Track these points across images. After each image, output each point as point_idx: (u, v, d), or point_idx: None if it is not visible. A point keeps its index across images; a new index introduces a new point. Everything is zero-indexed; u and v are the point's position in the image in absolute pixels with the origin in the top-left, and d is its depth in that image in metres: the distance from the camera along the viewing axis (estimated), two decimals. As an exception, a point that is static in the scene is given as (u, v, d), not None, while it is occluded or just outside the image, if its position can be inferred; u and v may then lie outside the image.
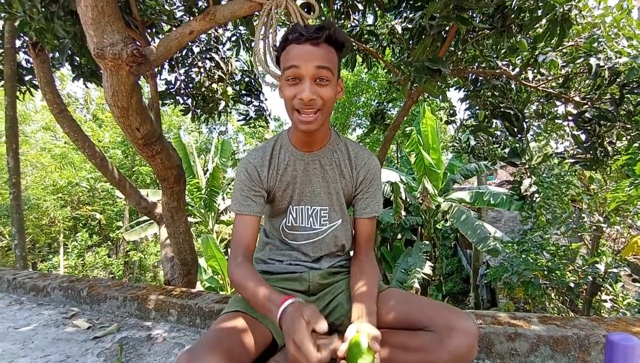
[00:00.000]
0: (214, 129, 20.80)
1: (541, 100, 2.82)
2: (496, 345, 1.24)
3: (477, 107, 2.86)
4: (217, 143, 11.91)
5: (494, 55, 2.41)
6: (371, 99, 12.80)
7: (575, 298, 5.04)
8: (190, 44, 2.99)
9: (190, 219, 9.93)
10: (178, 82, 3.16)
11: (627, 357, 0.75)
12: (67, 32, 1.95)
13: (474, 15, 2.07)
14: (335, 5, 2.35)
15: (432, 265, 7.68)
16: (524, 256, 5.23)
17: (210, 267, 8.52)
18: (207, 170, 11.08)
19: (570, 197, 5.46)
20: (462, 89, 2.94)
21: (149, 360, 1.34)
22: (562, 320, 1.31)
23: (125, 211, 14.44)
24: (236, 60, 3.31)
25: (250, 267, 0.94)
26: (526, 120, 2.54)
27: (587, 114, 2.37)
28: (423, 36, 2.00)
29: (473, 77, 2.72)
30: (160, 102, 2.96)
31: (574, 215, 5.42)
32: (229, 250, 10.38)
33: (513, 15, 1.86)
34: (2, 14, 2.07)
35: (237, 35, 2.88)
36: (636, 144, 2.47)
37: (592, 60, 1.89)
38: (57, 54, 2.13)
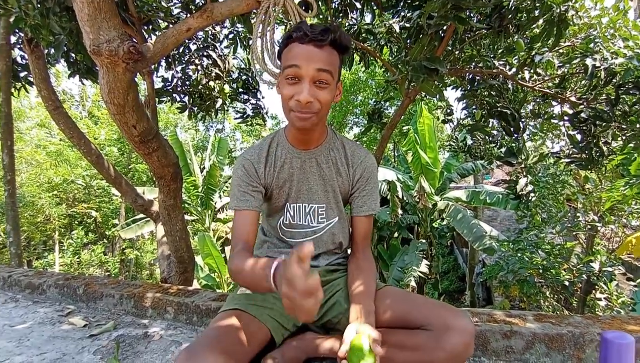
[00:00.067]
0: (211, 126, 20.74)
1: (537, 100, 2.83)
2: (492, 342, 1.25)
3: (474, 107, 2.87)
4: (214, 141, 11.88)
5: (491, 55, 2.42)
6: (368, 97, 12.80)
7: (570, 296, 5.09)
8: (187, 41, 2.97)
9: (187, 217, 9.90)
10: (175, 80, 3.14)
11: (622, 355, 0.75)
12: (62, 28, 1.94)
13: (472, 15, 2.08)
14: (333, 4, 2.35)
15: (429, 263, 7.71)
16: (519, 255, 5.27)
17: (207, 265, 8.51)
18: (204, 168, 11.05)
19: (565, 197, 5.51)
20: (459, 89, 2.95)
21: (146, 358, 1.34)
22: (557, 318, 1.32)
23: (122, 209, 14.38)
24: (233, 58, 3.29)
25: (249, 255, 0.93)
26: (522, 119, 2.56)
27: (582, 114, 2.39)
28: (421, 35, 2.00)
29: (470, 76, 2.73)
30: (156, 99, 2.95)
31: (569, 214, 5.47)
32: (225, 248, 10.37)
33: (510, 16, 1.87)
34: (-3, 10, 2.04)
35: (235, 32, 2.86)
36: (631, 144, 2.49)
37: (588, 61, 1.90)
38: (52, 51, 2.11)
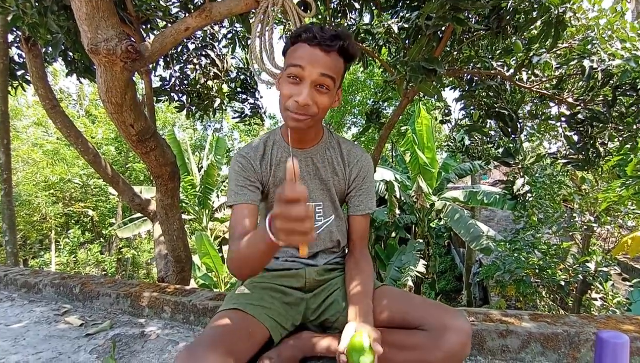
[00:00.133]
0: (209, 126, 20.69)
1: (535, 101, 2.85)
2: (488, 341, 1.26)
3: (471, 107, 2.88)
4: (211, 140, 11.86)
5: (489, 56, 2.43)
6: (367, 97, 12.81)
7: (565, 296, 5.12)
8: (185, 40, 2.96)
9: (184, 216, 9.88)
10: (173, 79, 3.13)
11: (617, 354, 0.76)
12: (60, 27, 1.93)
13: (470, 16, 2.08)
14: (332, 4, 2.35)
15: (426, 263, 7.73)
16: (516, 255, 5.30)
17: (204, 264, 8.49)
18: (202, 167, 11.03)
19: (562, 197, 5.53)
20: (457, 89, 2.96)
21: (142, 357, 1.34)
22: (552, 318, 1.33)
23: (119, 208, 14.32)
24: (232, 58, 3.29)
25: None
26: (520, 120, 2.57)
27: (579, 115, 2.41)
28: (419, 36, 2.01)
29: (468, 77, 2.74)
30: (154, 98, 2.94)
31: (566, 214, 5.50)
32: (223, 247, 10.36)
33: (508, 17, 1.88)
34: (-5, 8, 2.03)
35: (233, 32, 2.86)
36: (628, 145, 2.50)
37: (586, 62, 1.91)
38: (50, 49, 2.10)
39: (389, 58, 3.05)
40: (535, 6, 1.79)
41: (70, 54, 2.54)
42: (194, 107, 3.25)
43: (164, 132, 14.32)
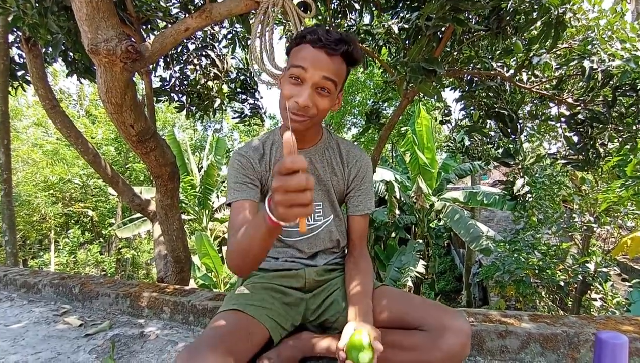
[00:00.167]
0: (209, 126, 20.70)
1: (535, 101, 2.85)
2: (487, 342, 1.26)
3: (471, 108, 2.88)
4: (211, 141, 11.86)
5: (489, 57, 2.44)
6: (367, 98, 12.81)
7: (565, 297, 5.12)
8: (185, 41, 2.96)
9: (184, 217, 9.88)
10: (173, 79, 3.13)
11: (616, 355, 0.76)
12: (60, 27, 1.93)
13: (470, 16, 2.09)
14: (332, 4, 2.35)
15: (425, 263, 7.73)
16: (515, 255, 5.30)
17: (204, 264, 8.49)
18: (202, 167, 11.04)
19: (561, 198, 5.54)
20: (457, 90, 2.96)
21: (142, 358, 1.34)
22: (552, 318, 1.33)
23: (118, 208, 14.31)
24: (232, 58, 3.29)
25: None
26: (520, 121, 2.57)
27: (579, 116, 2.41)
28: (419, 36, 2.01)
29: (468, 77, 2.74)
30: (154, 98, 2.94)
31: (565, 215, 5.50)
32: (223, 248, 10.35)
33: (508, 17, 1.88)
34: (-5, 8, 2.03)
35: (233, 32, 2.86)
36: (627, 146, 2.51)
37: (586, 63, 1.91)
38: (50, 50, 2.10)
39: (389, 58, 3.05)
40: (536, 7, 1.79)
41: (71, 54, 2.55)
42: (194, 108, 3.25)
43: (164, 132, 14.32)
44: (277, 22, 2.68)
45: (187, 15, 2.26)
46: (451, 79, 2.90)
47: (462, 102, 2.93)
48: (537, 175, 5.32)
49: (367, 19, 2.61)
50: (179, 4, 2.49)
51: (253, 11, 1.76)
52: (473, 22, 2.10)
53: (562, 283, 4.74)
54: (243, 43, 2.87)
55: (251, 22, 2.15)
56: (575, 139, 2.60)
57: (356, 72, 12.47)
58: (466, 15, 1.92)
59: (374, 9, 2.28)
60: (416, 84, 1.91)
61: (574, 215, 5.38)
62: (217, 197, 11.10)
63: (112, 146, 14.52)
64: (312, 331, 1.05)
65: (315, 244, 1.08)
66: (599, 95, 2.28)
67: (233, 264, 0.85)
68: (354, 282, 0.99)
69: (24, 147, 12.42)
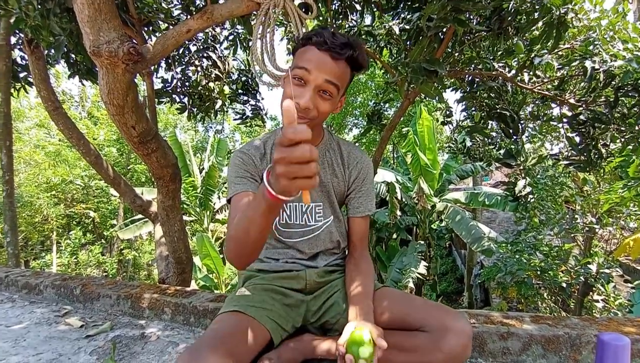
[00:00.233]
0: (210, 127, 20.73)
1: (536, 102, 2.84)
2: (489, 344, 1.25)
3: (473, 108, 2.88)
4: (213, 142, 11.88)
5: (491, 57, 2.43)
6: (368, 99, 12.81)
7: (567, 298, 5.10)
8: (187, 42, 2.97)
9: (185, 218, 9.90)
10: (174, 81, 3.14)
11: (618, 357, 0.76)
12: (63, 29, 1.94)
13: (471, 17, 2.08)
14: (334, 6, 2.36)
15: (427, 265, 7.72)
16: (517, 256, 5.28)
17: (205, 265, 8.49)
18: (203, 168, 11.05)
19: (563, 199, 5.52)
20: (459, 90, 2.95)
21: (143, 359, 1.34)
22: (553, 320, 1.32)
23: (120, 209, 14.35)
24: (233, 60, 3.29)
25: None
26: (521, 121, 2.56)
27: (581, 116, 2.40)
28: (420, 37, 2.01)
29: (469, 78, 2.73)
30: (156, 100, 2.95)
31: (567, 216, 5.49)
32: (224, 248, 10.32)
33: (510, 18, 1.88)
34: (-2, 10, 2.05)
35: (235, 34, 2.86)
36: (630, 147, 2.50)
37: (588, 63, 1.91)
38: (52, 51, 2.11)
39: (390, 59, 3.05)
40: (537, 7, 1.79)
41: (73, 56, 2.56)
42: (196, 109, 3.25)
43: (165, 133, 14.38)
44: (278, 23, 2.68)
45: (189, 16, 2.26)
46: (452, 80, 2.90)
47: (464, 102, 2.93)
48: (539, 176, 5.31)
49: (368, 19, 2.62)
50: (180, 6, 2.49)
51: (254, 12, 1.77)
52: (474, 23, 2.09)
53: (564, 285, 4.72)
54: (244, 44, 2.88)
55: (252, 23, 2.15)
56: (577, 139, 2.59)
57: (355, 75, 12.45)
58: (467, 15, 1.92)
59: (374, 10, 2.28)
60: (417, 84, 1.91)
61: (576, 216, 5.37)
62: (219, 198, 11.12)
63: (114, 147, 14.56)
64: (313, 333, 1.05)
65: (316, 245, 1.08)
66: (601, 96, 2.28)
67: (231, 253, 0.82)
68: (354, 283, 0.99)
69: (26, 148, 12.48)
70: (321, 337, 1.03)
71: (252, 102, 3.42)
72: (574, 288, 4.95)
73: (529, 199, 5.12)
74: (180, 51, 3.06)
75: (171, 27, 2.47)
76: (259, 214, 0.69)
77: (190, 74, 3.13)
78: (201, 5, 2.39)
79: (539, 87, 2.53)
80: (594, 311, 4.72)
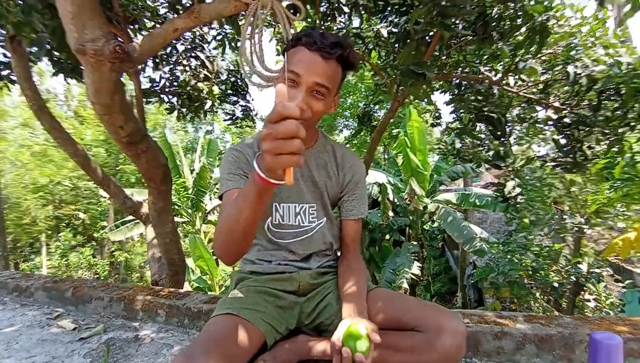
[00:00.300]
0: (200, 128, 20.60)
1: (522, 105, 2.88)
2: (483, 343, 1.27)
3: (461, 111, 2.91)
4: (203, 142, 11.79)
5: (477, 61, 2.46)
6: (358, 100, 12.85)
7: (559, 297, 5.17)
8: (174, 41, 2.94)
9: (177, 219, 9.80)
10: (162, 80, 3.10)
11: (611, 355, 0.77)
12: (45, 25, 1.91)
13: (457, 22, 2.11)
14: (322, 8, 2.36)
15: (420, 265, 7.76)
16: (509, 256, 5.35)
17: (199, 267, 8.43)
18: (194, 169, 10.96)
19: (552, 199, 5.60)
20: (447, 93, 2.98)
21: (137, 361, 1.34)
22: (546, 319, 1.34)
23: (110, 210, 14.15)
24: (222, 60, 3.27)
25: None
26: (508, 124, 2.60)
27: (566, 119, 2.44)
28: (408, 40, 2.02)
29: (457, 81, 2.77)
30: (144, 100, 2.91)
31: (557, 216, 5.56)
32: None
33: (494, 23, 1.91)
34: (-21, 7, 2.00)
35: (223, 34, 2.85)
36: (614, 148, 2.55)
37: (570, 68, 1.95)
38: (35, 48, 2.08)
39: (379, 62, 3.07)
40: (520, 14, 1.82)
41: (57, 53, 2.51)
42: (185, 109, 3.23)
43: (155, 134, 14.24)
44: (266, 24, 2.68)
45: (176, 15, 2.24)
46: (441, 83, 2.92)
47: (452, 105, 2.96)
48: (527, 178, 5.38)
49: (356, 22, 2.63)
50: (167, 4, 2.47)
51: (242, 13, 1.76)
52: (460, 28, 2.12)
53: (555, 285, 4.79)
54: (233, 44, 2.86)
55: (240, 23, 2.15)
56: (563, 141, 2.64)
57: (347, 75, 12.45)
58: (453, 20, 1.94)
59: (363, 12, 2.29)
60: (406, 87, 1.92)
61: (565, 216, 5.45)
62: (210, 199, 11.05)
63: (102, 148, 14.34)
64: (307, 334, 1.05)
65: (309, 246, 1.07)
66: (584, 99, 2.32)
67: (220, 248, 0.82)
68: (348, 283, 0.99)
69: (11, 148, 12.23)
70: (316, 338, 1.02)
71: (242, 102, 3.41)
72: (566, 288, 5.02)
73: (518, 200, 5.18)
74: (168, 50, 3.03)
75: (157, 25, 2.45)
76: (250, 201, 0.70)
77: (179, 74, 3.10)
78: (188, 4, 2.38)
79: (524, 91, 2.57)
80: (586, 310, 4.79)
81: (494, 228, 10.07)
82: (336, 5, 2.25)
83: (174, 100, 3.19)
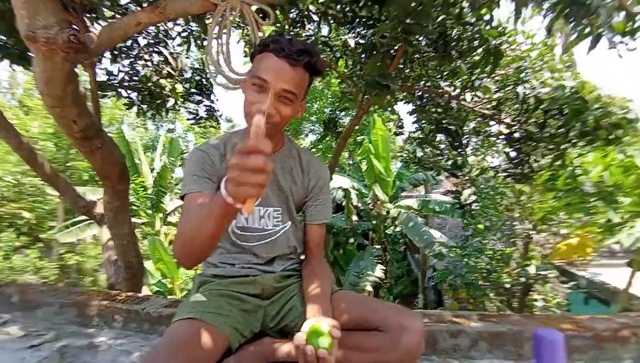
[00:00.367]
0: (161, 126, 19.74)
1: (478, 119, 3.09)
2: (440, 341, 1.34)
3: (423, 121, 3.05)
4: (164, 141, 11.33)
5: (438, 76, 2.61)
6: (324, 106, 12.95)
7: (510, 297, 5.53)
8: (136, 35, 2.80)
9: (135, 220, 9.30)
10: (121, 74, 2.93)
11: (554, 351, 0.83)
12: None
13: (420, 38, 2.22)
14: (291, 14, 2.38)
15: (384, 268, 7.96)
16: (466, 260, 5.63)
17: (158, 270, 8.07)
18: (154, 168, 10.49)
19: (504, 207, 5.99)
20: (410, 103, 3.11)
21: (94, 369, 1.27)
22: (498, 317, 1.43)
23: (59, 210, 13.10)
24: (186, 57, 3.17)
25: None
26: (465, 136, 2.77)
27: (516, 134, 2.65)
28: (374, 52, 2.10)
29: (419, 93, 2.90)
30: (100, 93, 2.75)
31: (508, 222, 5.96)
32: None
33: (454, 43, 2.05)
34: None
35: (188, 31, 2.76)
36: (558, 162, 2.79)
37: (520, 89, 2.13)
38: (-23, 33, 1.90)
39: (345, 70, 3.14)
40: (477, 36, 1.96)
41: (3, 37, 2.31)
42: (146, 106, 3.08)
43: (111, 129, 13.39)
44: (235, 25, 2.64)
45: (138, 7, 2.15)
46: (404, 93, 3.05)
47: (415, 115, 3.10)
48: (482, 186, 5.72)
49: (325, 30, 2.67)
50: (130, -5, 2.35)
51: (210, 13, 1.73)
52: (423, 44, 2.24)
53: (507, 286, 5.11)
54: (198, 42, 2.78)
55: (208, 22, 2.11)
56: (513, 154, 2.85)
57: (314, 81, 12.51)
58: (417, 37, 2.05)
59: (332, 22, 2.34)
60: (371, 96, 1.99)
61: (515, 222, 5.84)
62: (171, 199, 10.61)
63: (50, 141, 13.25)
64: (272, 337, 1.05)
65: (273, 250, 1.07)
66: (532, 117, 2.53)
67: (179, 251, 0.82)
68: (312, 285, 1.00)
69: (-56, 138, 10.97)
70: (281, 340, 1.02)
71: (207, 102, 3.32)
72: (516, 289, 5.37)
73: (474, 207, 5.49)
74: (129, 43, 2.87)
75: (117, 15, 2.34)
76: (213, 217, 0.70)
77: (139, 68, 2.95)
78: (153, -1, 2.29)
79: (479, 106, 2.76)
80: (534, 310, 5.15)
81: (452, 233, 10.52)
82: (306, 12, 2.28)
83: (134, 95, 3.03)
